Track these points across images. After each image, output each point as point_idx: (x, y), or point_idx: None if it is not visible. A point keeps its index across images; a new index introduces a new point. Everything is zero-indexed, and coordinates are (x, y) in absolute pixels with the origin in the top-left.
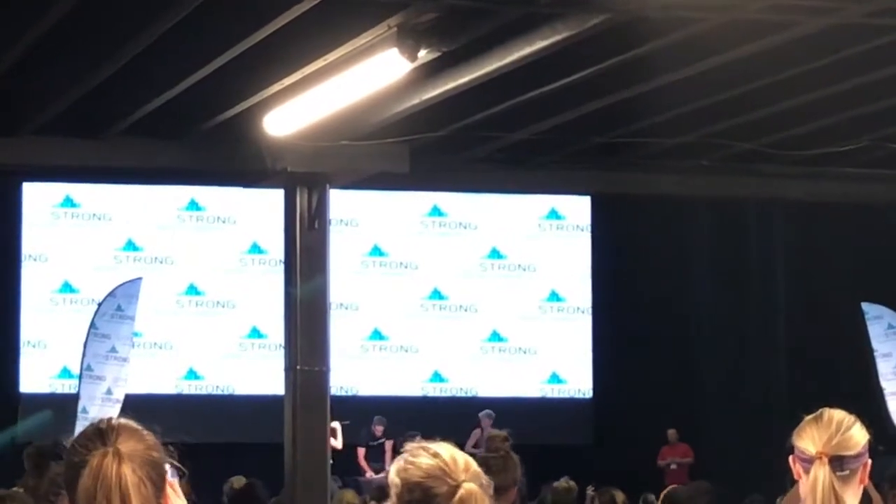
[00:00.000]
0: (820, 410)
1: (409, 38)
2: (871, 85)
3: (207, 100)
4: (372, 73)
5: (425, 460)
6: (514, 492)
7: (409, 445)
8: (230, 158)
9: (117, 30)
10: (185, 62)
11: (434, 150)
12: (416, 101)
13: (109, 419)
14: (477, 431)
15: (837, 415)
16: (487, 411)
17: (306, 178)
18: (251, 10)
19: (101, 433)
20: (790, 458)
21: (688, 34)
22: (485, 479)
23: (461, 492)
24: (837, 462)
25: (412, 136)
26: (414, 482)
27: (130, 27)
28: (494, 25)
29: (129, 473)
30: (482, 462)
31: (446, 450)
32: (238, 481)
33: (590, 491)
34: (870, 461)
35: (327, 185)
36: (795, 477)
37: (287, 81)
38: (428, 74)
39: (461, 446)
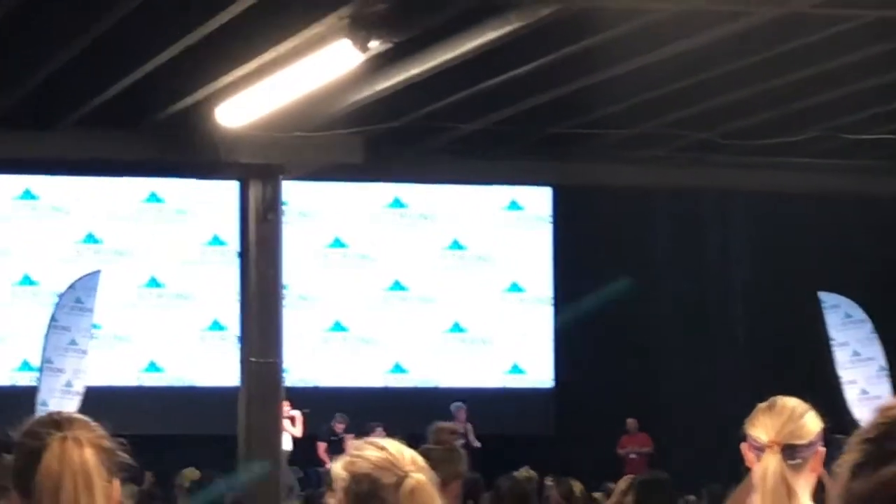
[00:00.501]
0: (773, 398)
1: (360, 29)
2: (823, 75)
3: (160, 91)
4: (324, 64)
5: (372, 453)
6: (456, 485)
7: (355, 442)
8: (184, 150)
9: (69, 21)
10: (136, 53)
11: (389, 141)
12: (369, 92)
13: (60, 412)
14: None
15: (790, 403)
16: (459, 403)
17: (260, 170)
18: (202, 0)
19: (56, 422)
20: (743, 446)
21: (640, 24)
22: (433, 473)
23: (409, 482)
24: (789, 451)
25: (366, 128)
26: (362, 474)
27: (82, 18)
28: (446, 16)
29: (90, 457)
30: (424, 453)
31: (393, 444)
32: (191, 473)
33: (548, 481)
34: (823, 450)
35: (281, 177)
36: (748, 464)
37: (239, 72)
38: (380, 65)
39: (423, 438)
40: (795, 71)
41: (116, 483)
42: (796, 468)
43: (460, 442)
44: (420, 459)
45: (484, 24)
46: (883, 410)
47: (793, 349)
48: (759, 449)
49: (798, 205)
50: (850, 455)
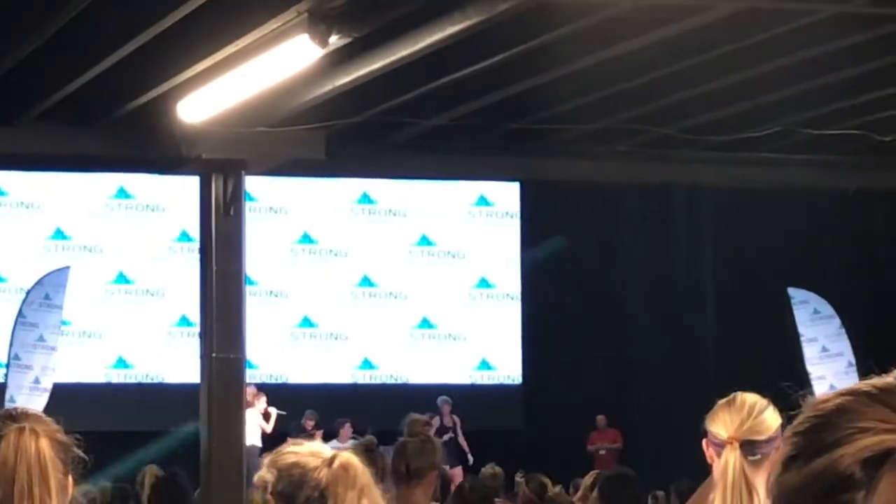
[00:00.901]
0: (733, 394)
1: (319, 24)
2: (785, 69)
3: (120, 86)
4: (283, 59)
5: (295, 448)
6: (433, 475)
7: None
8: (145, 145)
9: (25, 15)
10: (95, 47)
11: (351, 137)
12: (329, 87)
13: (16, 407)
14: (437, 419)
15: (749, 399)
16: (445, 397)
17: (221, 165)
18: None
19: (11, 415)
20: (704, 442)
21: (600, 19)
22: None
23: (339, 459)
24: (748, 447)
25: (328, 123)
26: (290, 462)
27: (39, 12)
28: (405, 10)
29: (46, 448)
30: (400, 447)
31: (315, 444)
32: (151, 471)
33: (518, 477)
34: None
35: (243, 172)
36: (709, 460)
37: (199, 67)
38: (340, 60)
39: (393, 433)
40: (757, 66)
41: (70, 479)
42: (756, 464)
43: (448, 436)
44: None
45: (442, 18)
46: (815, 404)
47: (762, 345)
48: (719, 445)
49: (766, 199)
50: (782, 449)
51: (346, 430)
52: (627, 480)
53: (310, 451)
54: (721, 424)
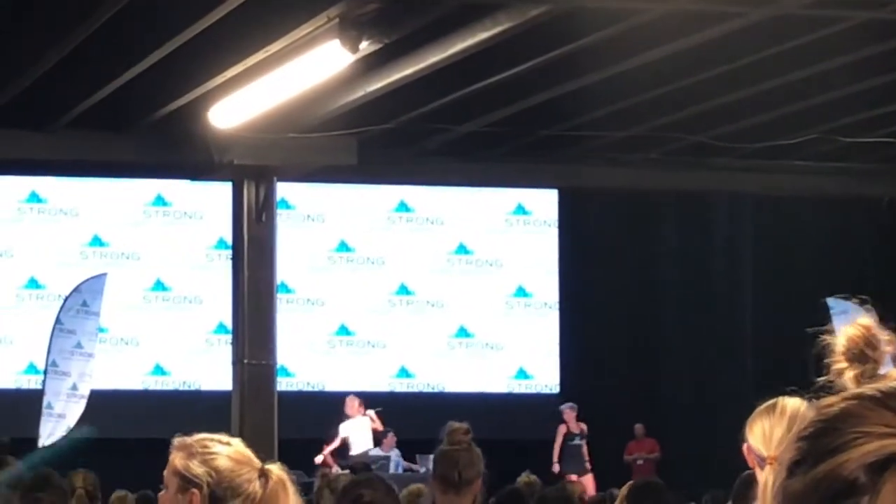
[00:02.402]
0: (773, 400)
1: (350, 30)
2: (818, 77)
3: (152, 92)
4: (314, 65)
5: (221, 448)
6: (478, 482)
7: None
8: (177, 151)
9: (59, 21)
10: (127, 53)
11: (383, 143)
12: (360, 93)
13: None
14: (563, 426)
15: (791, 407)
16: (571, 404)
17: (253, 171)
18: (192, 1)
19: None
20: (745, 447)
21: (632, 25)
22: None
23: (275, 475)
24: None
25: (359, 129)
26: (223, 466)
27: (72, 18)
28: (435, 16)
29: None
30: (448, 455)
31: (237, 441)
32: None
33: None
34: None
35: (275, 178)
36: (750, 466)
37: (230, 73)
38: (371, 66)
39: (431, 441)
40: (789, 73)
41: None
42: None
43: (575, 442)
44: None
45: (473, 24)
46: (820, 408)
47: (799, 353)
48: (760, 458)
49: (804, 206)
50: (787, 454)
51: (389, 441)
52: (655, 489)
53: (239, 457)
54: (761, 437)
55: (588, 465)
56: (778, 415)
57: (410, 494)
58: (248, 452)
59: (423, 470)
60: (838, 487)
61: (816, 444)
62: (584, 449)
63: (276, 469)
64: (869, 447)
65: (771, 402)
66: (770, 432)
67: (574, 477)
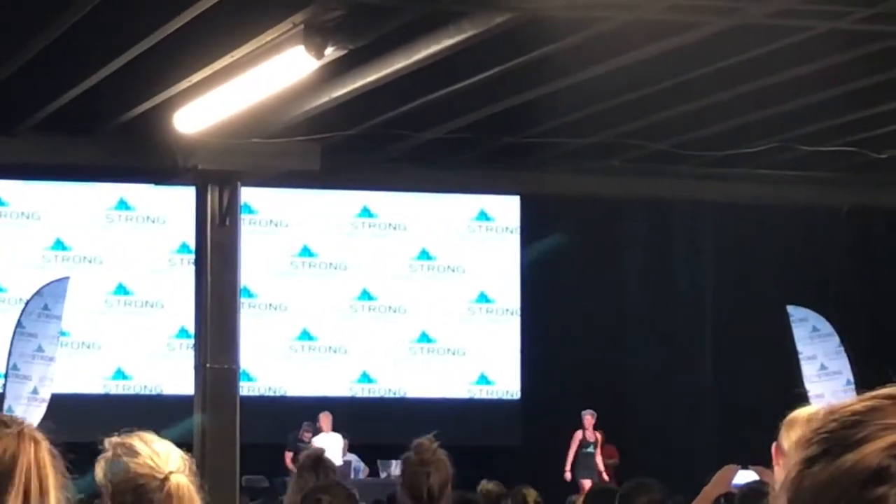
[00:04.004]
0: (816, 409)
1: (315, 36)
2: (779, 86)
3: (116, 96)
4: (279, 71)
5: (140, 449)
6: (448, 489)
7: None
8: (141, 156)
9: (24, 24)
10: (92, 57)
11: (347, 149)
12: (325, 98)
13: (11, 416)
14: (579, 433)
15: None
16: (590, 410)
17: (217, 176)
18: (156, 5)
19: (4, 422)
20: (773, 447)
21: (593, 33)
22: (193, 470)
23: (170, 482)
24: None
25: (324, 135)
26: (133, 473)
27: (37, 22)
28: (400, 23)
29: (45, 455)
30: (417, 474)
31: (160, 443)
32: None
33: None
34: None
35: (238, 183)
36: (774, 464)
37: (195, 78)
38: (336, 72)
39: (392, 447)
40: (751, 82)
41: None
42: None
43: (588, 450)
44: (181, 458)
45: (438, 31)
46: (834, 409)
47: (761, 361)
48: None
49: (767, 216)
50: (802, 452)
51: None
52: (609, 495)
53: (150, 463)
54: (796, 444)
55: (601, 473)
56: None
57: None
58: (162, 459)
59: (383, 475)
60: (866, 476)
61: (840, 436)
62: (598, 458)
63: (174, 478)
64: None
65: (814, 409)
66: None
67: (587, 482)
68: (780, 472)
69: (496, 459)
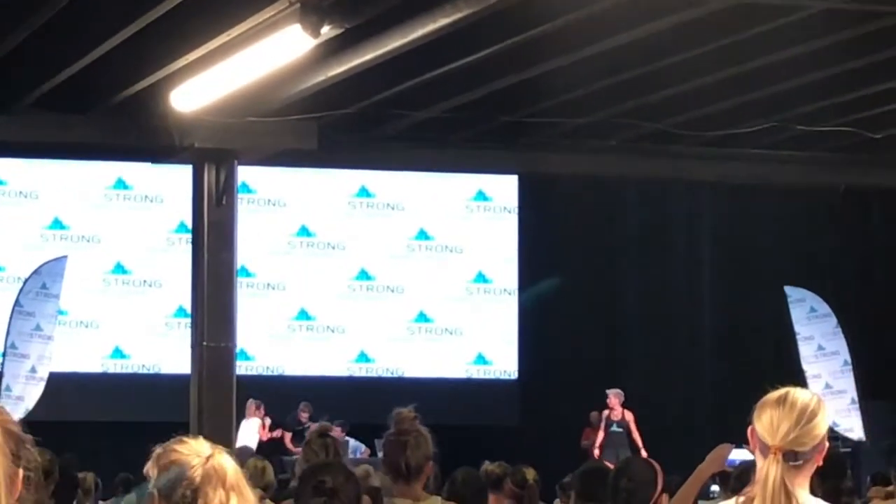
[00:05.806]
0: (785, 391)
1: (312, 14)
2: (776, 66)
3: (113, 74)
4: (276, 49)
5: (179, 445)
6: (429, 466)
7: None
8: (138, 134)
9: (19, 2)
10: (88, 36)
11: (344, 128)
12: (322, 77)
13: None
14: (605, 412)
15: (801, 400)
16: (616, 390)
17: (214, 154)
18: None
19: None
20: (749, 430)
21: (591, 12)
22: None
23: (211, 460)
24: (792, 455)
25: (320, 114)
26: (171, 460)
27: (32, 0)
28: (396, 2)
29: None
30: (396, 444)
31: (196, 440)
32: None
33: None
34: (827, 444)
35: (235, 162)
36: (751, 449)
37: (192, 56)
38: (333, 51)
39: (383, 427)
40: (748, 61)
41: (21, 473)
42: (797, 468)
43: (616, 429)
44: (221, 450)
45: (435, 9)
46: None
47: (758, 341)
48: (763, 447)
49: (766, 195)
50: None
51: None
52: (602, 473)
53: (191, 449)
54: (768, 427)
55: (639, 451)
56: (788, 407)
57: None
58: (204, 447)
59: (381, 455)
60: None
61: None
62: (634, 436)
63: (216, 455)
64: None
65: (782, 391)
66: (777, 423)
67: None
68: (757, 456)
69: (493, 439)
